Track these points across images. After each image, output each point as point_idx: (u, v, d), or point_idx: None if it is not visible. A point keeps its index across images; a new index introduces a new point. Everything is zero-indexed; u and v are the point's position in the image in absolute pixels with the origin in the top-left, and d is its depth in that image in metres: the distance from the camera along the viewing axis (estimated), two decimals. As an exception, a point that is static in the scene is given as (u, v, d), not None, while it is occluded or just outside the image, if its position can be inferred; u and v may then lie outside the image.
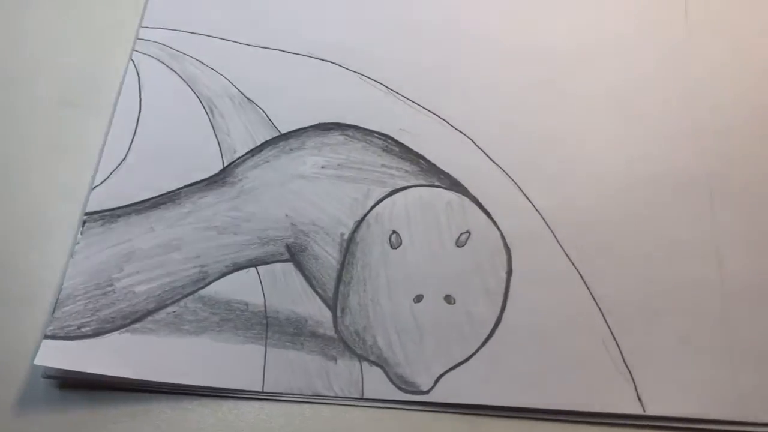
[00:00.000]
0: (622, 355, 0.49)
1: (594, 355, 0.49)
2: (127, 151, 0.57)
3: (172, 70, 0.60)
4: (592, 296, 0.50)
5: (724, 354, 0.48)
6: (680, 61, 0.58)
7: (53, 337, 0.50)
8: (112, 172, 0.56)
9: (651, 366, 0.48)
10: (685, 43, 0.59)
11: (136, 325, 0.51)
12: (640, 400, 0.47)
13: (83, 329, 0.50)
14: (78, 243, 0.54)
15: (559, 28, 0.60)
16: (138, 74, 0.60)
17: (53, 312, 0.51)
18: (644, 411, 0.47)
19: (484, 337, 0.50)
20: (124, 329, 0.51)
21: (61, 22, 0.65)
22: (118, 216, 0.54)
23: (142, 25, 0.62)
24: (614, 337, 0.49)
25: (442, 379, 0.49)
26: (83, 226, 0.54)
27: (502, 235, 0.52)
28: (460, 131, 0.56)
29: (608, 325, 0.49)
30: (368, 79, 0.59)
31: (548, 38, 0.59)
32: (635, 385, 0.48)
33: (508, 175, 0.54)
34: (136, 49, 0.61)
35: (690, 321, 0.49)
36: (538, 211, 0.53)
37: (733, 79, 0.57)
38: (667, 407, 0.47)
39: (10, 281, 0.54)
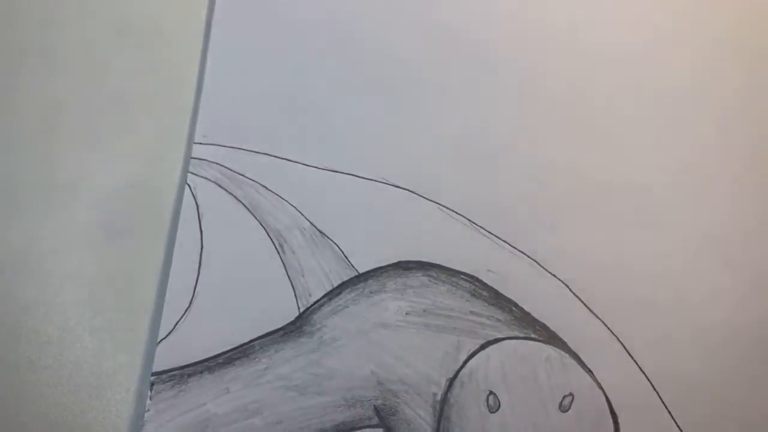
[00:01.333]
0: None
1: None
2: (192, 297, 0.52)
3: (234, 196, 0.55)
4: (706, 471, 0.48)
5: None
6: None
7: None
8: (177, 323, 0.51)
9: None
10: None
11: None
12: None
13: None
14: (148, 410, 0.49)
15: (653, 163, 0.56)
16: (196, 201, 0.55)
17: (130, 498, 0.47)
18: None
19: None
20: None
21: (98, 135, 0.58)
22: (189, 375, 0.50)
23: (195, 141, 0.57)
24: None
25: None
26: (152, 389, 0.49)
27: (607, 398, 0.50)
28: (553, 275, 0.53)
29: (726, 506, 0.47)
30: (448, 211, 0.55)
31: (643, 173, 0.56)
32: None
33: (608, 327, 0.51)
34: (191, 170, 0.56)
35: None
36: (644, 372, 0.50)
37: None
38: None
39: (71, 449, 0.50)
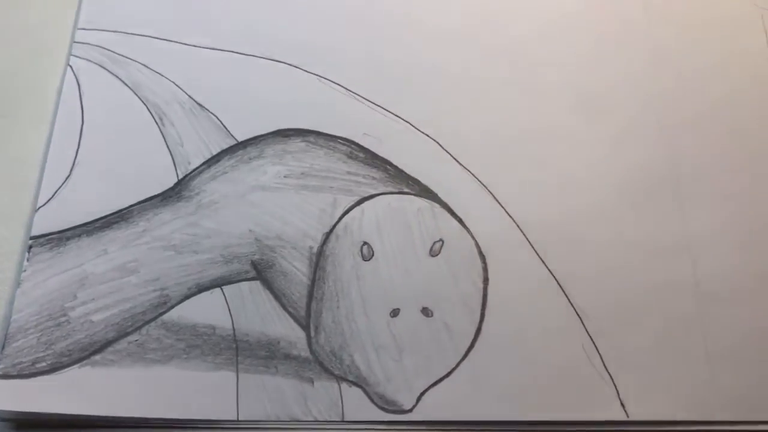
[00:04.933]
0: (603, 362, 0.48)
1: (575, 362, 0.48)
2: (72, 167, 0.53)
3: (115, 76, 0.56)
4: (570, 302, 0.50)
5: (702, 355, 0.49)
6: (642, 56, 0.58)
7: (5, 376, 0.46)
8: (56, 191, 0.52)
9: (632, 371, 0.48)
10: (646, 36, 0.58)
11: (96, 357, 0.48)
12: (623, 405, 0.47)
13: (38, 365, 0.47)
14: (24, 270, 0.49)
15: (521, 23, 0.58)
16: (77, 81, 0.55)
17: (2, 348, 0.47)
18: (628, 416, 0.47)
19: (465, 349, 0.49)
20: (83, 362, 0.47)
21: (-14, 24, 0.59)
22: (68, 239, 0.51)
23: (78, 27, 0.57)
24: (594, 344, 0.49)
25: (425, 396, 0.48)
26: (29, 252, 0.50)
27: (476, 242, 0.51)
28: (425, 134, 0.54)
29: (588, 332, 0.49)
30: (327, 81, 0.56)
31: (511, 32, 0.58)
32: (618, 391, 0.48)
33: (478, 179, 0.53)
34: (74, 53, 0.56)
35: (667, 323, 0.49)
36: (511, 217, 0.52)
37: (695, 71, 0.57)
38: (650, 411, 0.47)
39: (-50, 315, 0.50)
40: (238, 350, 0.48)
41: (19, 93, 0.57)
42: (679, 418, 0.47)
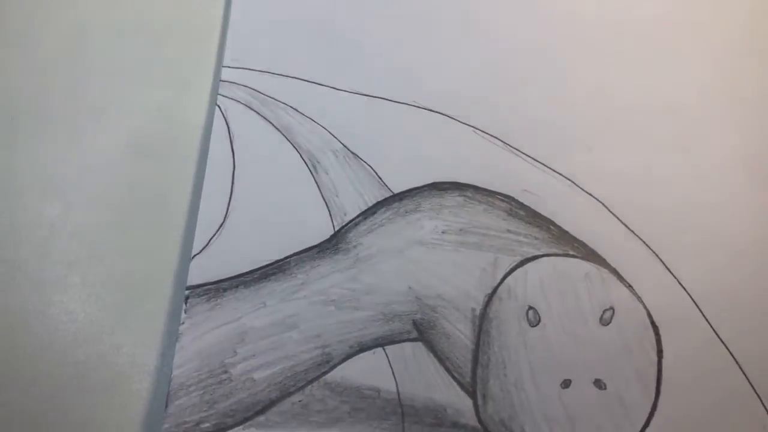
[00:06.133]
0: (785, 445, 0.47)
1: (756, 445, 0.47)
2: (226, 214, 0.51)
3: (265, 118, 0.54)
4: (748, 380, 0.48)
5: None
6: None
7: (171, 436, 0.44)
8: (211, 239, 0.50)
9: (816, 456, 0.46)
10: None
11: (260, 418, 0.46)
12: (809, 494, 0.46)
13: (203, 425, 0.45)
14: (182, 323, 0.48)
15: (684, 83, 0.56)
16: (227, 122, 0.54)
17: (166, 406, 0.45)
18: (814, 505, 0.46)
19: (641, 425, 0.47)
20: (247, 423, 0.46)
21: (123, 60, 0.57)
22: (225, 290, 0.49)
23: (224, 64, 0.56)
24: (775, 425, 0.47)
25: (601, 474, 0.46)
26: (186, 302, 0.48)
27: (648, 311, 0.49)
28: (589, 194, 0.52)
29: (768, 412, 0.47)
30: (483, 134, 0.54)
31: (675, 94, 0.56)
32: (803, 478, 0.46)
33: (647, 244, 0.51)
34: (220, 92, 0.55)
35: None
36: (683, 286, 0.50)
37: None
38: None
39: (101, 364, 0.48)
40: (404, 416, 0.47)
41: (165, 131, 0.55)
42: None
